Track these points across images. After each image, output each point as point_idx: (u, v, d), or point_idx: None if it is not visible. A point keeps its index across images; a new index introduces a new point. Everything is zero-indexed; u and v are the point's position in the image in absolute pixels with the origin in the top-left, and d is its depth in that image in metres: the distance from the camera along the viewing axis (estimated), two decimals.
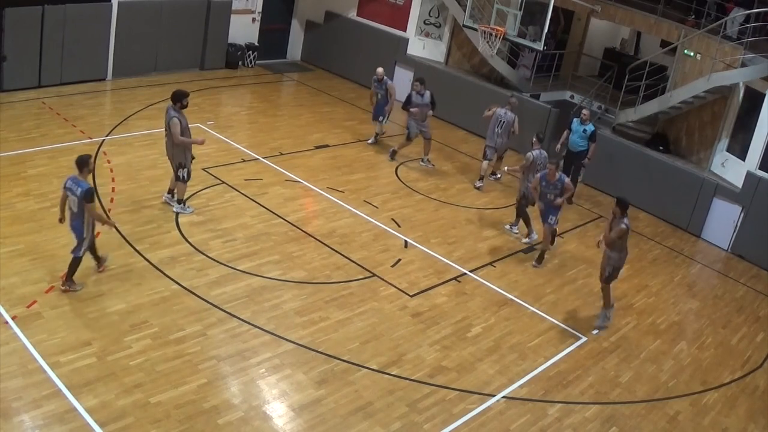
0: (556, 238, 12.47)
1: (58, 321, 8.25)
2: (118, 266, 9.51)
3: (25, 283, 8.79)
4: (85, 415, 6.98)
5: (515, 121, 14.18)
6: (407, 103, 14.63)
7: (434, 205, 13.37)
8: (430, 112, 14.70)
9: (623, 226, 9.80)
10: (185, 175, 10.98)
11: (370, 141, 15.69)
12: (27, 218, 10.21)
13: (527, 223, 12.54)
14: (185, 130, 10.70)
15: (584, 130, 13.97)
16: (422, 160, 15.15)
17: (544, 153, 12.54)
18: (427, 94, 14.56)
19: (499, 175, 15.08)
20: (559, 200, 11.41)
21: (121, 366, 7.74)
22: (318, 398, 7.91)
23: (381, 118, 15.28)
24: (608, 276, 10.15)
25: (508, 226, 12.93)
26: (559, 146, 14.45)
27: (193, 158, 11.11)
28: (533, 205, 12.23)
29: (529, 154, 12.37)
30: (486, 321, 10.02)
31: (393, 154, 15.09)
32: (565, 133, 14.36)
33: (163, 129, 10.90)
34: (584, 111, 14.15)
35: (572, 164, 14.35)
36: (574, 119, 14.21)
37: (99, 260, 9.31)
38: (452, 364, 8.94)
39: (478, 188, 14.35)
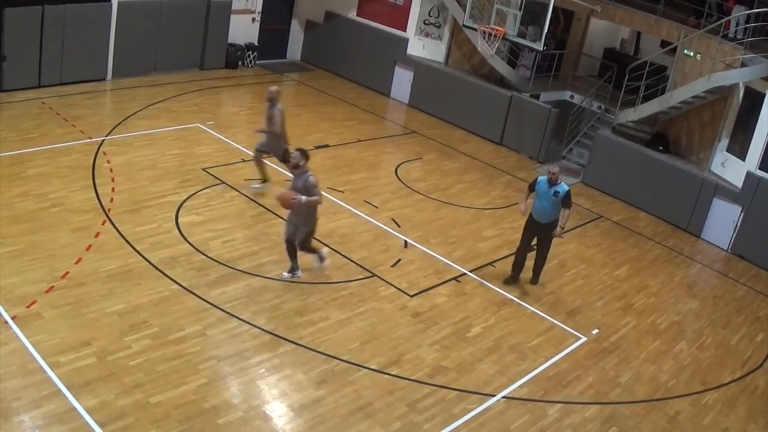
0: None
1: (58, 321, 8.25)
2: (118, 266, 9.51)
3: (25, 283, 8.78)
4: (85, 415, 6.98)
5: None
6: None
7: (434, 205, 13.36)
8: None
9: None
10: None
11: None
12: (27, 218, 10.20)
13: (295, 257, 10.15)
14: None
15: (555, 193, 10.32)
16: None
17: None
18: None
19: None
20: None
21: (121, 366, 7.74)
22: (318, 398, 7.91)
23: None
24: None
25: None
26: (523, 209, 10.78)
27: None
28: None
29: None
30: (486, 321, 10.01)
31: None
32: (526, 194, 10.88)
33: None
34: (551, 169, 10.40)
35: (536, 237, 10.84)
36: (539, 179, 10.61)
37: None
38: (452, 364, 8.94)
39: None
